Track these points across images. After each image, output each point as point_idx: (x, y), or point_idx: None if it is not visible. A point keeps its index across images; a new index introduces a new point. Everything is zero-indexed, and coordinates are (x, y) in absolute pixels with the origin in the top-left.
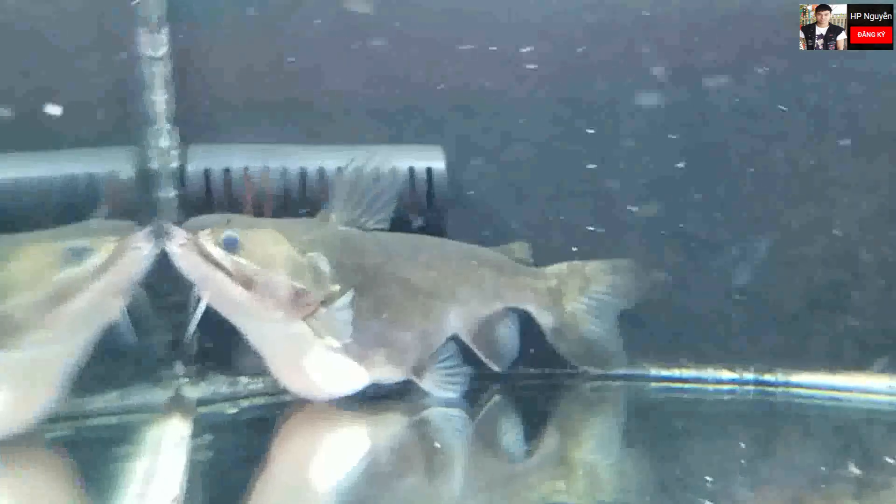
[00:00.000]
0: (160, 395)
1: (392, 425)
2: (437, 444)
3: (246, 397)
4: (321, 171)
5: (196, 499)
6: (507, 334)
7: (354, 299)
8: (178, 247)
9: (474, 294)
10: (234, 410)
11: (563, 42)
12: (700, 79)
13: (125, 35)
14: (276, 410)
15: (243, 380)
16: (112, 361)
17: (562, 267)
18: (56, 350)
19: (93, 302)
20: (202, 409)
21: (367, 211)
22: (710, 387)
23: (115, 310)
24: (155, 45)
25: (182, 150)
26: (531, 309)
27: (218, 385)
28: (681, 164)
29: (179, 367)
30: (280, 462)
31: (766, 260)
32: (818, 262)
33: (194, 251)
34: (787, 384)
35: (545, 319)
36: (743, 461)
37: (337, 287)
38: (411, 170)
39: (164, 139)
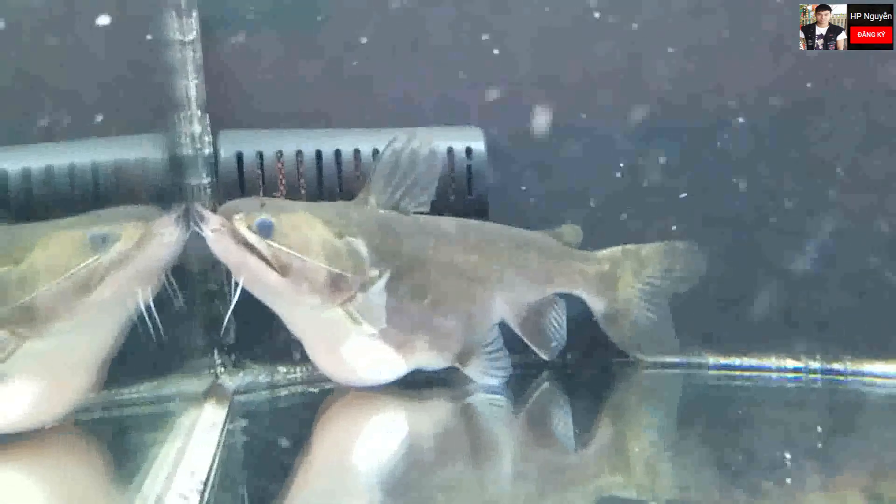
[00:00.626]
0: (197, 384)
1: (436, 412)
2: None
3: (285, 386)
4: (356, 154)
5: (227, 481)
6: (556, 321)
7: (390, 283)
8: (212, 231)
9: (521, 279)
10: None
11: None
12: None
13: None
14: (315, 398)
15: (282, 369)
16: (149, 351)
17: (615, 250)
18: (84, 339)
19: (118, 290)
20: (239, 398)
21: (406, 194)
22: (774, 375)
23: (143, 297)
24: (184, 30)
25: (213, 136)
26: (583, 295)
27: (256, 374)
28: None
29: (217, 357)
30: (317, 446)
31: (830, 242)
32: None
33: (228, 236)
34: (858, 373)
35: (597, 305)
36: (813, 448)
37: (376, 272)
38: (450, 150)
39: (195, 125)
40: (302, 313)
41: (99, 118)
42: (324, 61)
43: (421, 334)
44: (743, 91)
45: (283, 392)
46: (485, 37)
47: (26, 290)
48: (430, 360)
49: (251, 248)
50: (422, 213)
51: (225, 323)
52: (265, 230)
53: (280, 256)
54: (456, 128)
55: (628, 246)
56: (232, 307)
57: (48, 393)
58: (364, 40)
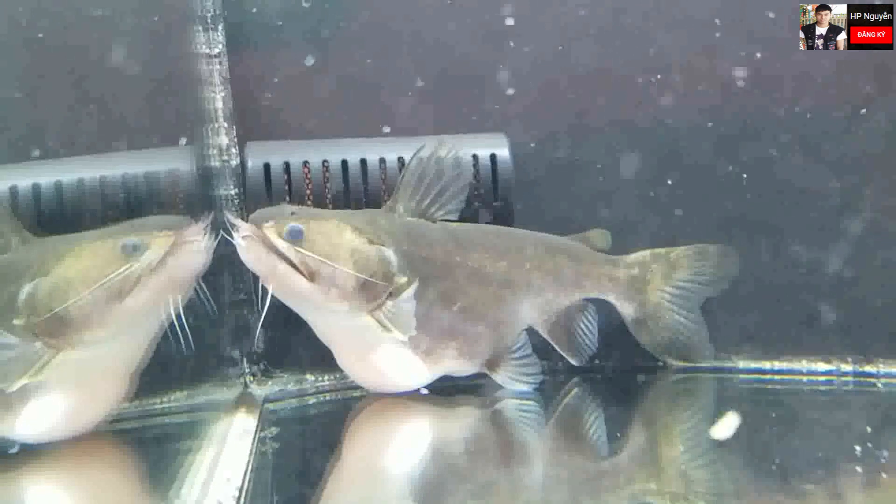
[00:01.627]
0: (227, 393)
1: (466, 418)
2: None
3: (313, 394)
4: (382, 163)
5: (261, 487)
6: (586, 326)
7: (419, 290)
8: (243, 239)
9: (550, 284)
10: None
11: None
12: None
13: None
14: (343, 406)
15: (310, 377)
16: (179, 361)
17: (644, 254)
18: (116, 348)
19: (150, 298)
20: (269, 406)
21: (434, 202)
22: (805, 378)
23: (174, 306)
24: (210, 43)
25: (240, 147)
26: (612, 299)
27: (285, 383)
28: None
29: (246, 366)
30: (348, 453)
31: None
32: None
33: (259, 243)
34: (891, 375)
35: (627, 310)
36: (851, 452)
37: (404, 278)
38: (475, 157)
39: (222, 136)
40: (331, 321)
41: (129, 131)
42: (347, 74)
43: (450, 341)
44: (770, 90)
45: (312, 400)
46: (507, 43)
47: (59, 300)
48: (459, 366)
49: (281, 256)
50: (450, 220)
51: (257, 330)
52: (295, 237)
53: (309, 263)
54: (480, 135)
55: (657, 249)
56: (263, 314)
57: (82, 402)
58: (387, 53)
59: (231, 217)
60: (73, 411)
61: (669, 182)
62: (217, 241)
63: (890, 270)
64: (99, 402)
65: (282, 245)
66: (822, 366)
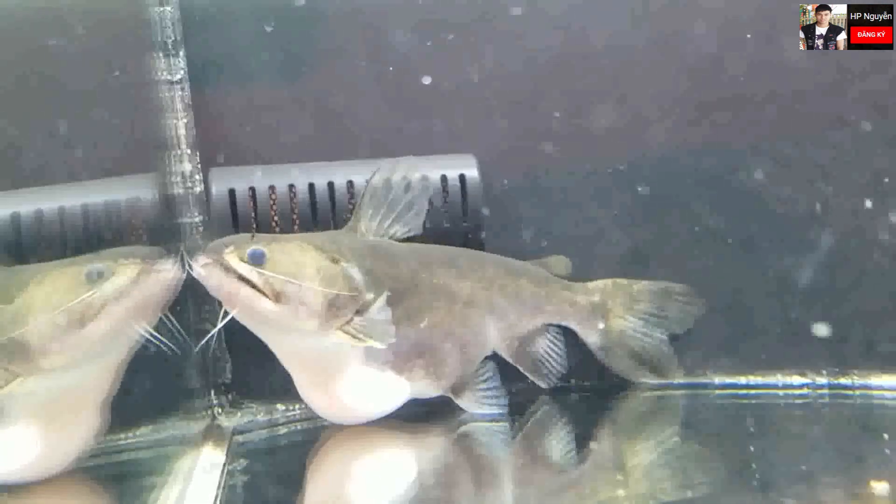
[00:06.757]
0: (195, 426)
1: (436, 443)
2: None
3: (284, 424)
4: (350, 186)
5: None
6: (552, 349)
7: (389, 301)
8: (202, 267)
9: (513, 306)
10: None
11: None
12: None
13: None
14: (315, 435)
15: (280, 407)
16: (144, 394)
17: (606, 282)
18: (81, 379)
19: (114, 325)
20: (238, 438)
21: (396, 220)
22: (781, 392)
23: (139, 335)
24: (172, 69)
25: (204, 174)
26: (574, 326)
27: (254, 413)
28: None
29: (213, 397)
30: (320, 484)
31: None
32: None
33: (219, 268)
34: (866, 387)
35: (590, 338)
36: (831, 464)
37: (371, 295)
38: (444, 178)
39: (185, 163)
40: (298, 343)
41: (88, 160)
42: (314, 97)
43: (417, 358)
44: (738, 101)
45: (283, 430)
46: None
47: (19, 325)
48: (426, 387)
49: (243, 279)
50: (411, 238)
51: (212, 345)
52: (257, 260)
53: (273, 284)
54: (449, 156)
55: (619, 280)
56: (217, 328)
57: (53, 439)
58: (354, 75)
59: (187, 250)
60: (44, 449)
61: (641, 193)
62: (185, 273)
63: (863, 281)
64: (72, 437)
65: (243, 268)
66: (797, 379)
